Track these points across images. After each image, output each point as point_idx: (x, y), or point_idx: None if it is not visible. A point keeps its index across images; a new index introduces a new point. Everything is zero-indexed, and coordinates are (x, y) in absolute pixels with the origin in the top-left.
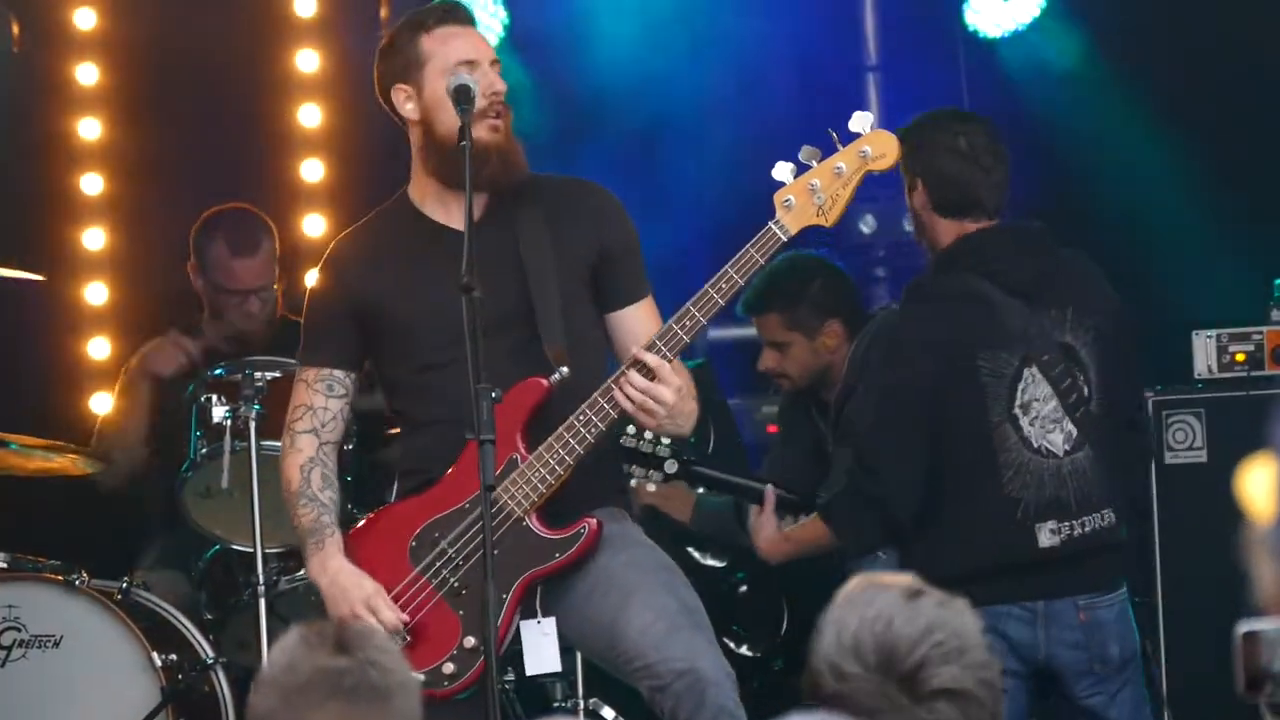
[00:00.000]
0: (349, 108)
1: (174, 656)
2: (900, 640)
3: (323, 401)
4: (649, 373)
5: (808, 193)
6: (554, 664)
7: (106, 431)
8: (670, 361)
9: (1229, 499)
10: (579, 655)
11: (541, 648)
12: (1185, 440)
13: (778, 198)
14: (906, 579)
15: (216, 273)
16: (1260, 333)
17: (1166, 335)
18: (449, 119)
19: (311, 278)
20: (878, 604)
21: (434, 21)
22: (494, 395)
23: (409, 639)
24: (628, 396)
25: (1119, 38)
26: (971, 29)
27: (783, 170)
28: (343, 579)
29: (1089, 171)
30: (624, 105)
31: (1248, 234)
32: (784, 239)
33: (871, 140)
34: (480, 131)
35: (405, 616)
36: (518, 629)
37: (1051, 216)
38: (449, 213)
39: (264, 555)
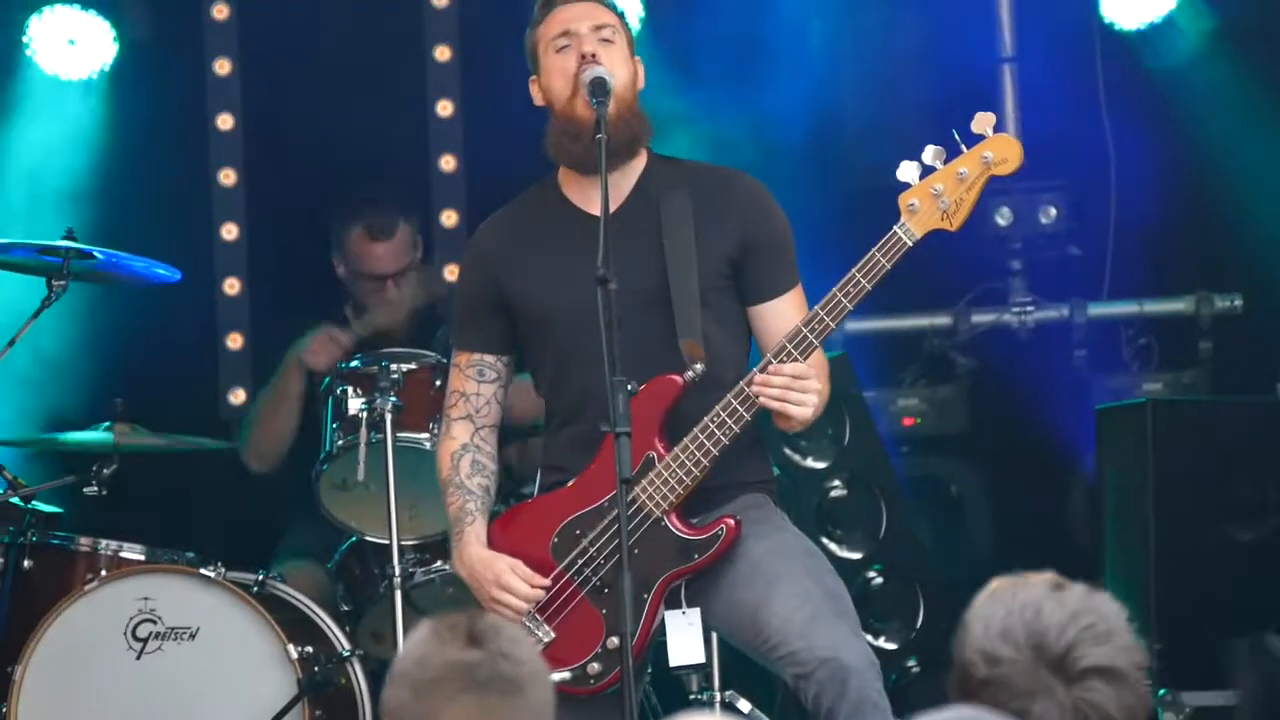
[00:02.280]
0: (483, 98)
1: (310, 649)
2: (1050, 625)
3: (475, 387)
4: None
5: (931, 197)
6: (698, 655)
7: (262, 426)
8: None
9: None
10: (715, 648)
11: (686, 639)
12: None
13: (903, 200)
14: (1048, 574)
15: (355, 259)
16: None
17: None
18: (554, 98)
19: (449, 269)
20: (1023, 596)
21: (542, 10)
22: (630, 388)
23: (554, 636)
24: (771, 395)
25: (1254, 27)
26: (1108, 22)
27: (908, 171)
28: (476, 566)
29: (1226, 165)
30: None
31: None
32: (909, 244)
33: (994, 145)
34: (577, 108)
35: (543, 584)
36: (662, 623)
37: (1188, 209)
38: (589, 199)
39: (400, 547)
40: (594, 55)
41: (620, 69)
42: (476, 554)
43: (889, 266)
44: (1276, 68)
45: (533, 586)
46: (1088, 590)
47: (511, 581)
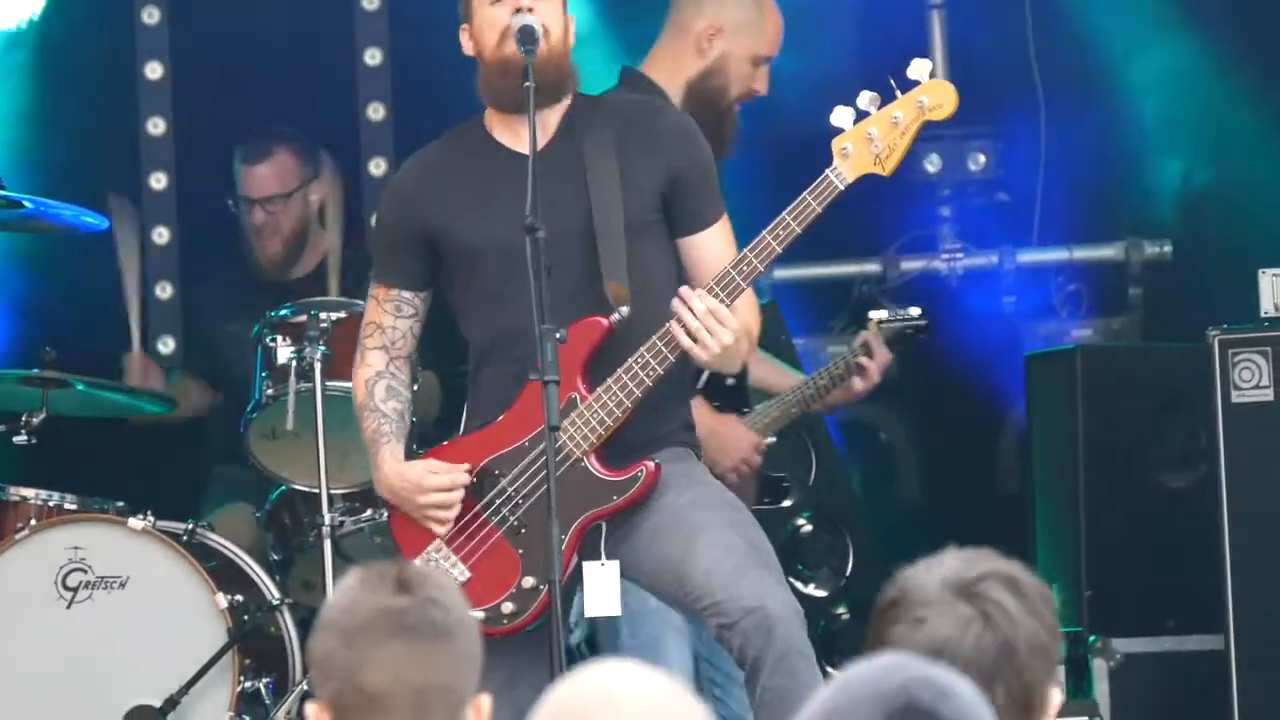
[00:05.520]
0: (412, 47)
1: (240, 598)
2: (961, 565)
3: (391, 321)
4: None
5: (865, 141)
6: (615, 607)
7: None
8: (728, 304)
9: None
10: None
11: (603, 590)
12: (1251, 379)
13: (835, 144)
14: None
15: (235, 186)
16: None
17: (1232, 273)
18: (483, 47)
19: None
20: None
21: None
22: (558, 336)
23: (469, 575)
24: (686, 332)
25: None
26: None
27: (841, 116)
28: (394, 480)
29: (1155, 109)
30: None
31: None
32: (841, 187)
33: (929, 90)
34: (506, 53)
35: (463, 470)
36: (578, 569)
37: (1118, 155)
38: (516, 137)
39: (329, 496)
40: (529, 8)
41: (554, 23)
42: (392, 468)
43: (819, 210)
44: (1205, 7)
45: (454, 475)
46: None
47: (432, 481)
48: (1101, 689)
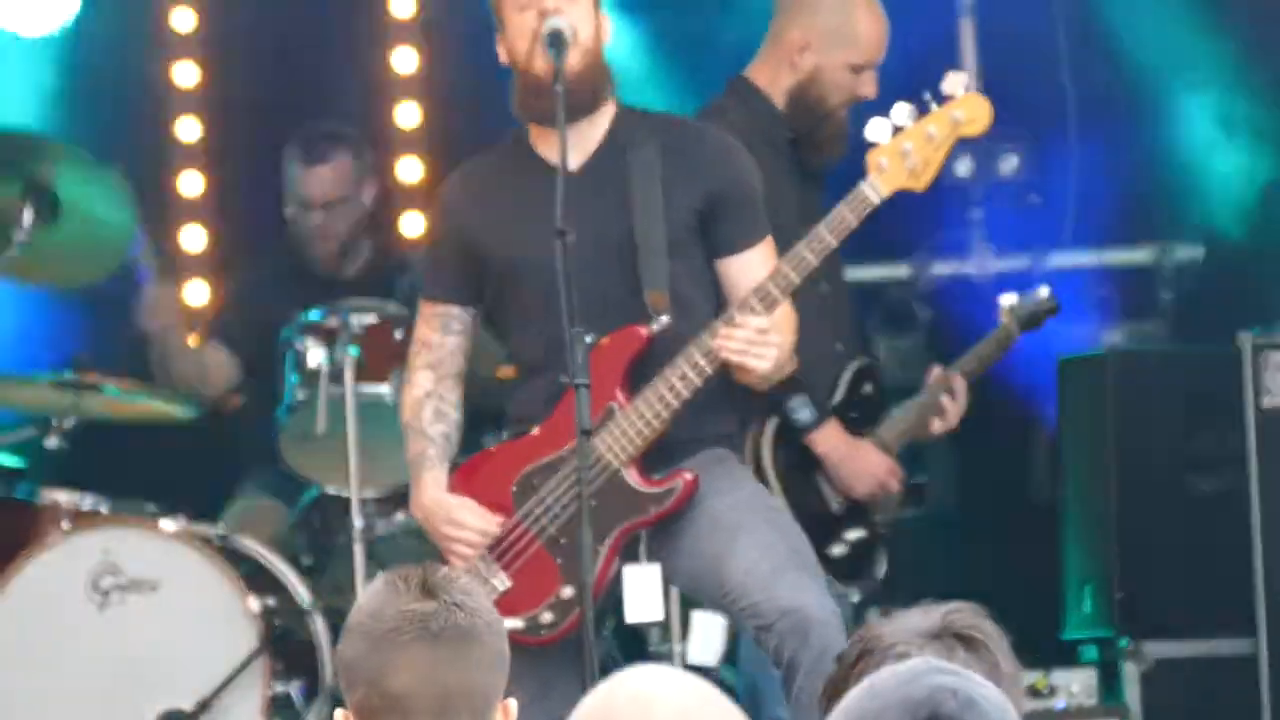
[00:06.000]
0: (446, 52)
1: (271, 602)
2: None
3: (440, 338)
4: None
5: (900, 155)
6: (656, 612)
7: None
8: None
9: None
10: (675, 603)
11: (644, 594)
12: None
13: (871, 158)
14: None
15: (289, 185)
16: None
17: (1264, 278)
18: (516, 56)
19: (409, 221)
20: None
21: None
22: (588, 340)
23: (509, 584)
24: (733, 350)
25: None
26: None
27: (877, 129)
28: (431, 506)
29: (1186, 114)
30: (715, 47)
31: None
32: (876, 201)
33: (964, 104)
34: (537, 63)
35: (496, 520)
36: (618, 575)
37: (1149, 159)
38: (556, 152)
39: (361, 500)
40: (556, 9)
41: (583, 24)
42: (431, 496)
43: (855, 223)
44: (1229, 17)
45: (484, 525)
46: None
47: (464, 517)
48: (1133, 693)
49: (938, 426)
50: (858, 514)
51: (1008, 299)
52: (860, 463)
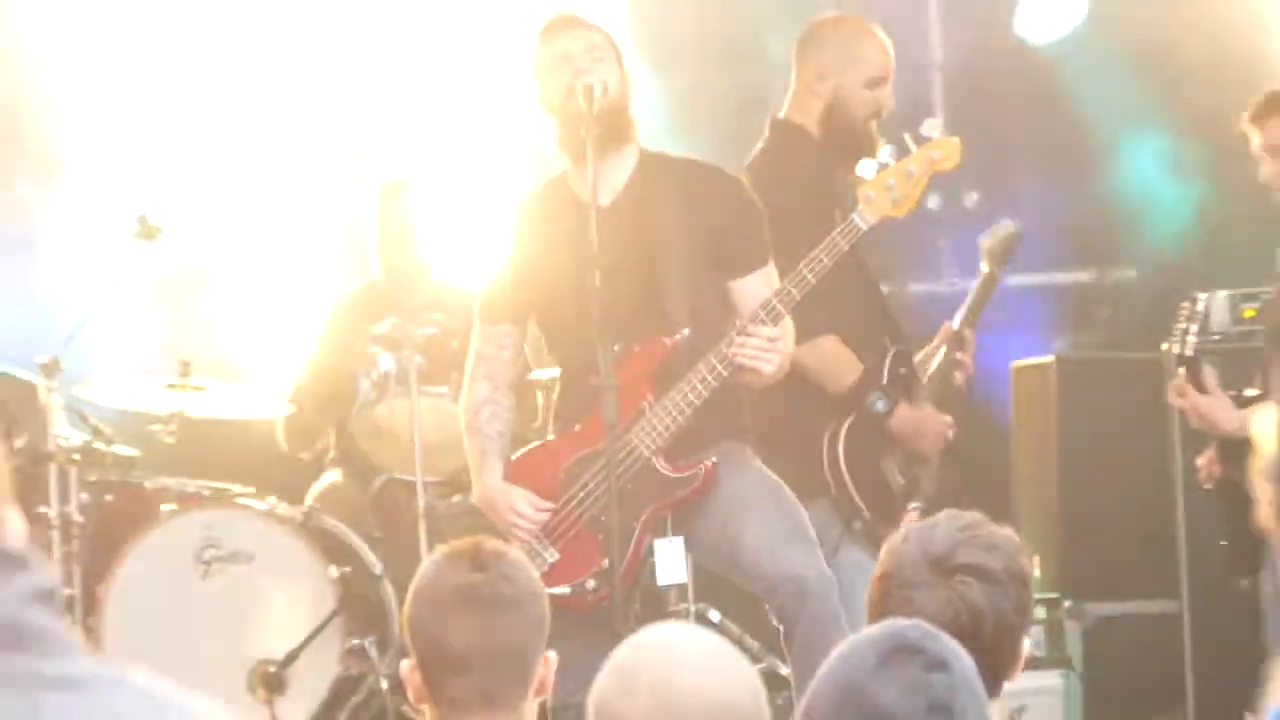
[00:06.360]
0: None
1: (348, 569)
2: (939, 533)
3: (494, 352)
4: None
5: (885, 189)
6: (681, 575)
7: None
8: (774, 325)
9: None
10: (690, 569)
11: (671, 562)
12: None
13: (860, 191)
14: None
15: None
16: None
17: (1186, 296)
18: (549, 105)
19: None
20: (929, 521)
21: (542, 41)
22: (615, 349)
23: (559, 556)
24: (747, 355)
25: (1148, 43)
26: (1020, 35)
27: (866, 167)
28: (494, 496)
29: (1123, 155)
30: (730, 93)
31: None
32: (864, 228)
33: (939, 145)
34: (571, 111)
35: (546, 507)
36: (650, 548)
37: (1090, 195)
38: (588, 188)
39: (424, 484)
40: (587, 70)
41: (611, 80)
42: (494, 486)
43: (846, 247)
44: (1157, 75)
45: (537, 511)
46: (988, 520)
47: (522, 507)
48: (1075, 646)
49: (959, 378)
50: (913, 490)
51: (983, 239)
52: (926, 426)
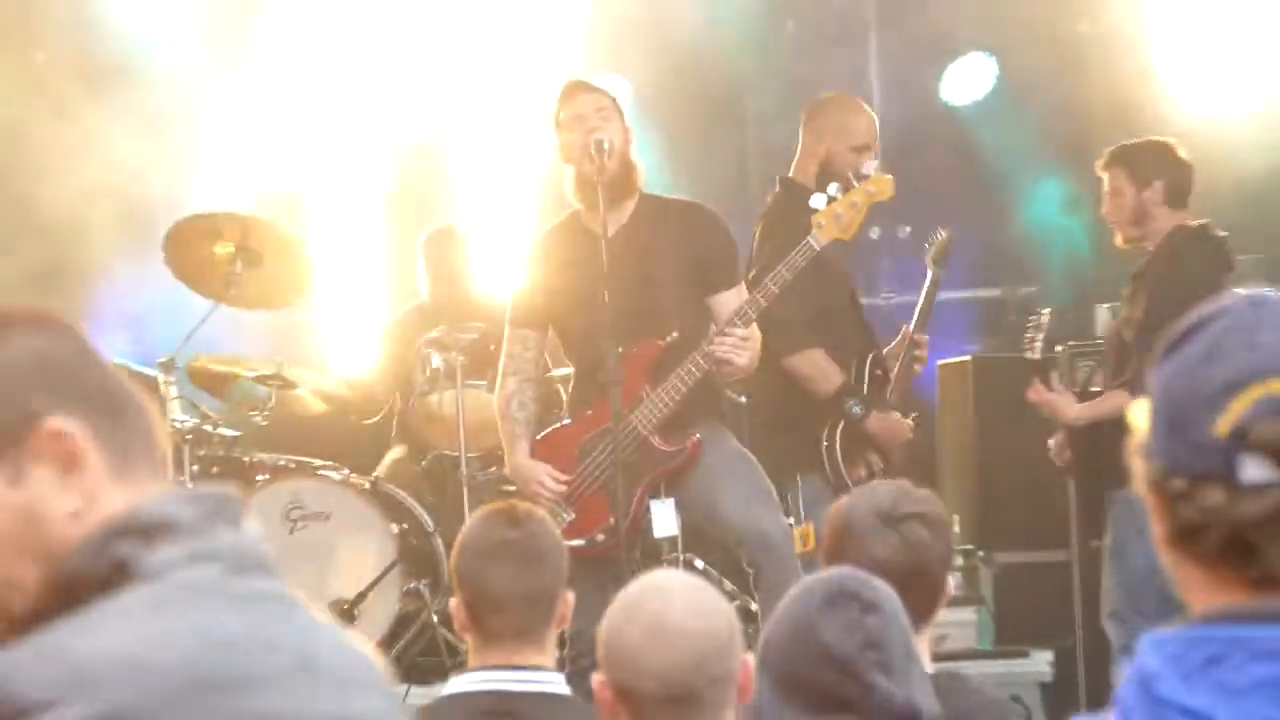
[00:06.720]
0: None
1: (406, 526)
2: (881, 492)
3: (521, 352)
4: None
5: (834, 217)
6: (673, 529)
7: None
8: (746, 328)
9: None
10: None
11: (665, 518)
12: (1086, 378)
13: (814, 219)
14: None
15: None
16: None
17: (1078, 307)
18: (571, 161)
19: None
20: (870, 487)
21: (561, 102)
22: (619, 351)
23: (574, 515)
24: (725, 351)
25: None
26: (944, 100)
27: (818, 199)
28: (522, 470)
29: (1027, 194)
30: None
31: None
32: (817, 249)
33: (876, 181)
34: (585, 165)
35: (565, 479)
36: (648, 508)
37: (998, 224)
38: (596, 223)
39: (467, 458)
40: (598, 128)
41: (616, 136)
42: (522, 462)
43: (803, 264)
44: (1058, 128)
45: (556, 482)
46: (913, 485)
47: (545, 479)
48: (987, 588)
49: (918, 369)
50: (884, 471)
51: (927, 250)
52: (892, 429)
